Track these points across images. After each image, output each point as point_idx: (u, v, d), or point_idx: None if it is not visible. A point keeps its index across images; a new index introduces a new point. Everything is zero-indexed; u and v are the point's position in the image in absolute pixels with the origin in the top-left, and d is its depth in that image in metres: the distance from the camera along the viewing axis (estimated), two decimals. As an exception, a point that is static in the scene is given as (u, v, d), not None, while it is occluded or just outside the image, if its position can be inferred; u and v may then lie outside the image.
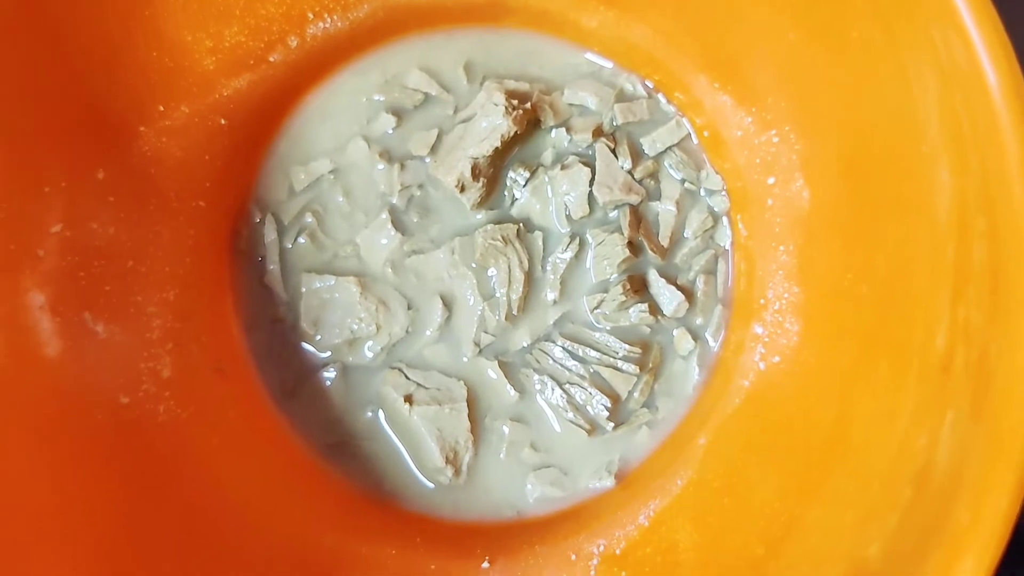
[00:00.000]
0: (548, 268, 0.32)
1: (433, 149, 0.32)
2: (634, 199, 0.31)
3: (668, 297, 0.31)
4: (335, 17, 0.31)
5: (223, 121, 0.31)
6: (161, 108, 0.30)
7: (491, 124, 0.31)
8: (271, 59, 0.31)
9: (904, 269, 0.24)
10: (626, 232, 0.31)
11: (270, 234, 0.33)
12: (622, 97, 0.33)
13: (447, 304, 0.32)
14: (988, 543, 0.19)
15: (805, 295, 0.28)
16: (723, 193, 0.31)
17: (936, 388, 0.22)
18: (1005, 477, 0.19)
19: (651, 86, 0.32)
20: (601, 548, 0.29)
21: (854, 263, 0.26)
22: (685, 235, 0.32)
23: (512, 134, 0.31)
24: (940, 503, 0.21)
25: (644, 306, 0.31)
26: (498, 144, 0.31)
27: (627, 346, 0.31)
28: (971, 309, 0.22)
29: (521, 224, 0.32)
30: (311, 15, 0.31)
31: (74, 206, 0.28)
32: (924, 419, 0.23)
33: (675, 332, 0.31)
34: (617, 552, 0.29)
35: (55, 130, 0.27)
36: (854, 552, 0.23)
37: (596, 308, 0.31)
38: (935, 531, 0.21)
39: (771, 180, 0.29)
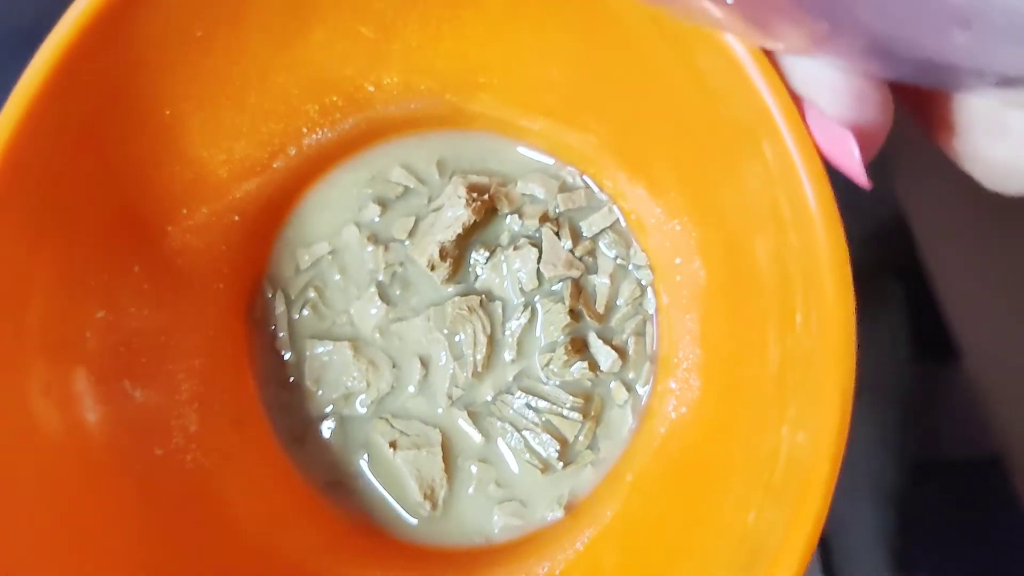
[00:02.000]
0: (507, 332, 0.38)
1: (411, 233, 0.39)
2: (575, 273, 0.38)
3: (605, 355, 0.38)
4: (326, 130, 0.39)
5: (236, 217, 0.39)
6: (184, 211, 0.37)
7: (455, 214, 0.38)
8: (275, 165, 0.39)
9: (757, 334, 0.30)
10: (567, 302, 0.38)
11: (280, 307, 0.40)
12: (564, 188, 0.39)
13: (424, 364, 0.39)
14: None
15: (705, 357, 0.35)
16: (647, 268, 0.38)
17: (776, 414, 0.29)
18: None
19: (587, 178, 0.39)
20: (545, 569, 0.36)
21: (733, 331, 0.33)
22: (618, 303, 0.38)
23: (472, 222, 0.38)
24: (775, 506, 0.27)
25: (585, 363, 0.38)
26: (460, 231, 0.38)
27: (572, 397, 0.38)
28: (795, 400, 0.28)
29: (483, 296, 0.39)
30: (306, 129, 0.38)
31: (114, 295, 0.36)
32: (771, 441, 0.29)
33: (612, 385, 0.38)
34: (557, 573, 0.36)
35: (97, 234, 0.35)
36: (728, 559, 0.29)
37: (546, 365, 0.38)
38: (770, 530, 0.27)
39: (678, 260, 0.36)
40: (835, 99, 0.21)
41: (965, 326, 0.43)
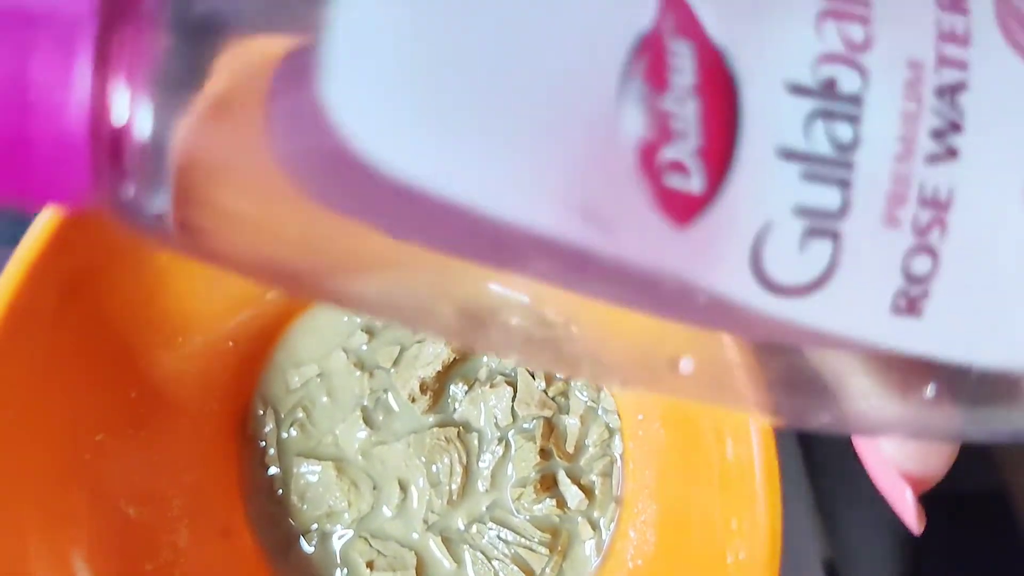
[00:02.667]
0: (482, 464, 0.41)
1: (396, 362, 0.42)
2: (547, 413, 0.40)
3: (572, 494, 0.40)
4: (315, 266, 0.41)
5: (231, 343, 0.41)
6: (180, 340, 0.40)
7: (435, 351, 0.41)
8: (267, 297, 0.41)
9: (708, 498, 0.33)
10: (539, 441, 0.40)
11: (269, 424, 0.42)
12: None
13: (403, 488, 0.41)
14: None
15: (660, 514, 0.37)
16: (616, 413, 0.40)
17: None
18: None
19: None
20: None
21: (686, 492, 0.35)
22: (587, 444, 0.41)
23: (452, 359, 0.40)
24: None
25: (554, 500, 0.40)
26: (440, 367, 0.40)
27: (540, 532, 0.40)
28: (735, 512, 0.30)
29: (461, 427, 0.41)
30: (296, 266, 0.41)
31: (112, 419, 0.38)
32: None
33: (578, 521, 0.40)
34: None
35: (97, 367, 0.37)
36: None
37: (517, 499, 0.40)
38: None
39: (640, 416, 0.38)
40: (902, 451, 0.21)
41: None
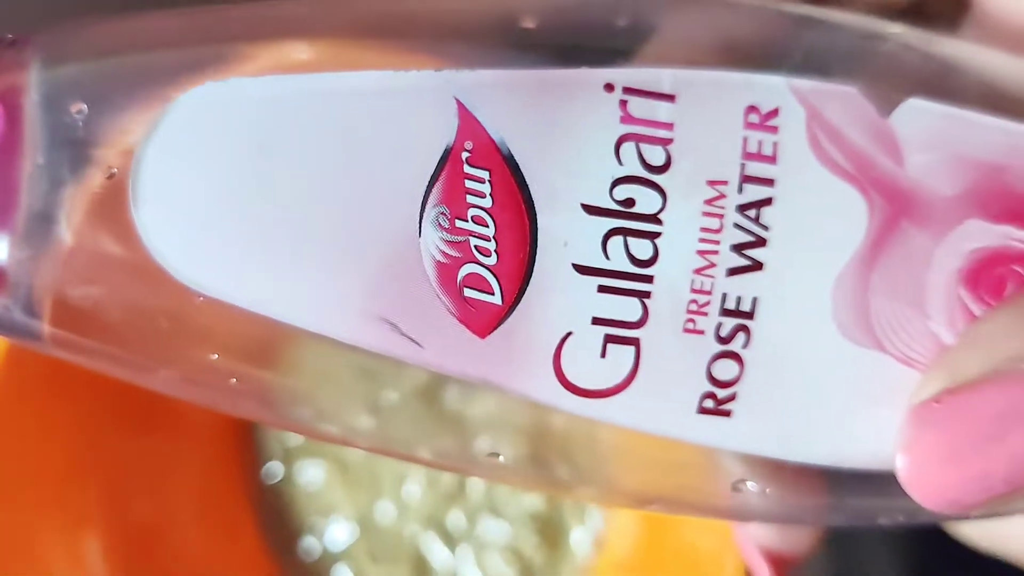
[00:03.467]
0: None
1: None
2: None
3: (563, 489, 0.41)
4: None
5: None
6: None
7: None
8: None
9: None
10: (529, 438, 0.41)
11: (274, 430, 0.44)
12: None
13: (402, 485, 0.43)
14: None
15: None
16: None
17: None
18: None
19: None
20: None
21: None
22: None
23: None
24: None
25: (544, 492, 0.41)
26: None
27: (533, 523, 0.41)
28: None
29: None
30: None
31: (123, 420, 0.40)
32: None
33: (570, 511, 0.41)
34: None
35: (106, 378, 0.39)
36: None
37: (510, 492, 0.41)
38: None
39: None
40: (764, 532, 0.21)
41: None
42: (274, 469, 0.43)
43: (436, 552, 0.41)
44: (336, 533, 0.42)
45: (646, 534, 0.37)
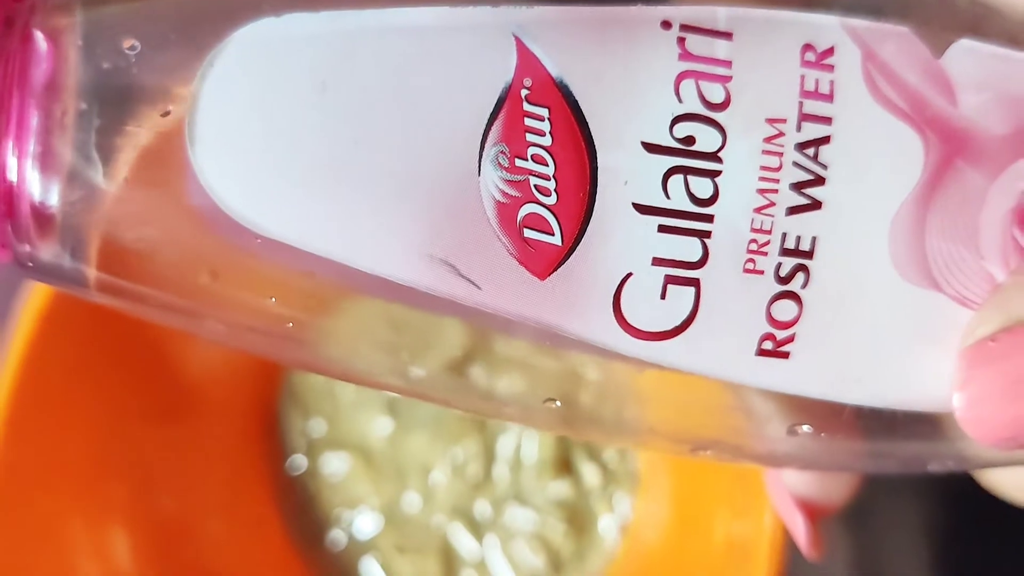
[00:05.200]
0: (502, 448, 0.42)
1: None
2: (562, 397, 0.41)
3: (590, 473, 0.41)
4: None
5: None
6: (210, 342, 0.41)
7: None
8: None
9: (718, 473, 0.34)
10: (555, 425, 0.41)
11: (297, 417, 0.44)
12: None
13: (427, 474, 0.43)
14: None
15: (673, 485, 0.38)
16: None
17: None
18: None
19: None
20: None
21: (697, 465, 0.36)
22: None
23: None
24: None
25: (572, 480, 0.41)
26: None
27: (560, 511, 0.41)
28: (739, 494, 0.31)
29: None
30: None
31: (148, 414, 0.40)
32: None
33: (597, 499, 0.41)
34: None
35: (135, 365, 0.39)
36: None
37: (537, 479, 0.41)
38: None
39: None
40: (800, 480, 0.21)
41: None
42: (298, 461, 0.43)
43: (463, 542, 0.41)
44: (362, 524, 0.42)
45: (676, 521, 0.37)
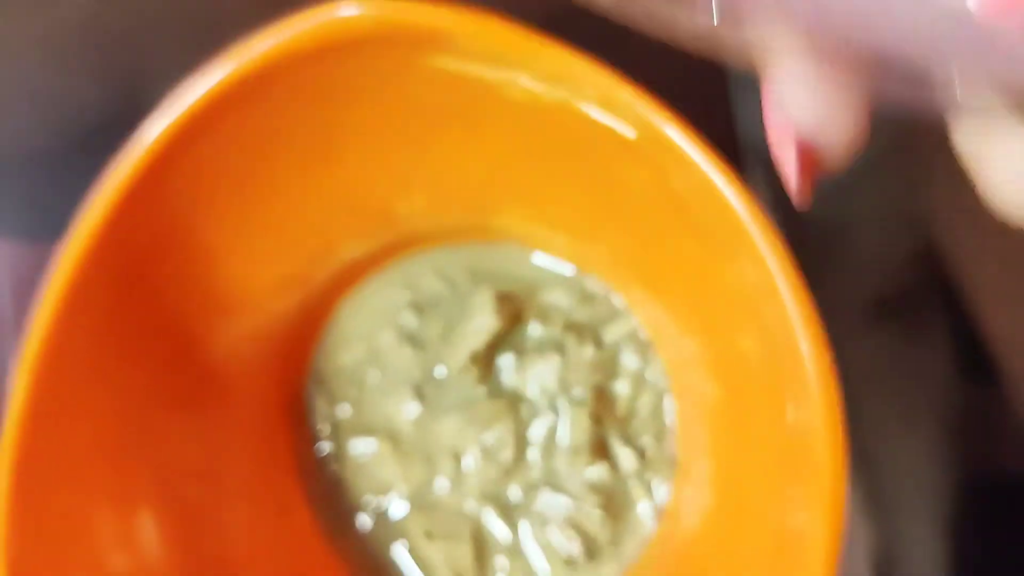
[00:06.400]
0: (534, 432, 0.41)
1: (444, 338, 0.42)
2: (596, 379, 0.41)
3: (625, 457, 0.40)
4: (362, 244, 0.41)
5: (280, 325, 0.42)
6: (234, 322, 0.40)
7: (485, 322, 0.41)
8: (316, 278, 0.42)
9: (764, 456, 0.33)
10: (590, 407, 0.40)
11: (322, 402, 0.43)
12: (586, 297, 0.42)
13: (457, 460, 0.42)
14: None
15: (716, 471, 0.37)
16: (665, 376, 0.40)
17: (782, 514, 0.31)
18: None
19: (607, 288, 0.42)
20: (570, 662, 0.39)
21: (739, 446, 0.35)
22: (637, 408, 0.41)
23: (500, 330, 0.41)
24: None
25: (607, 465, 0.40)
26: (489, 338, 0.41)
27: (595, 497, 0.40)
28: (795, 486, 0.30)
29: (512, 397, 0.41)
30: (343, 246, 0.41)
31: (170, 402, 0.39)
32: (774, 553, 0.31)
33: (633, 485, 0.40)
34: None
35: (152, 349, 0.38)
36: None
37: (570, 465, 0.41)
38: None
39: (691, 375, 0.38)
40: (804, 107, 0.19)
41: (1003, 348, 0.43)
42: (325, 447, 0.42)
43: (495, 527, 0.40)
44: (390, 510, 0.41)
45: (718, 508, 0.37)
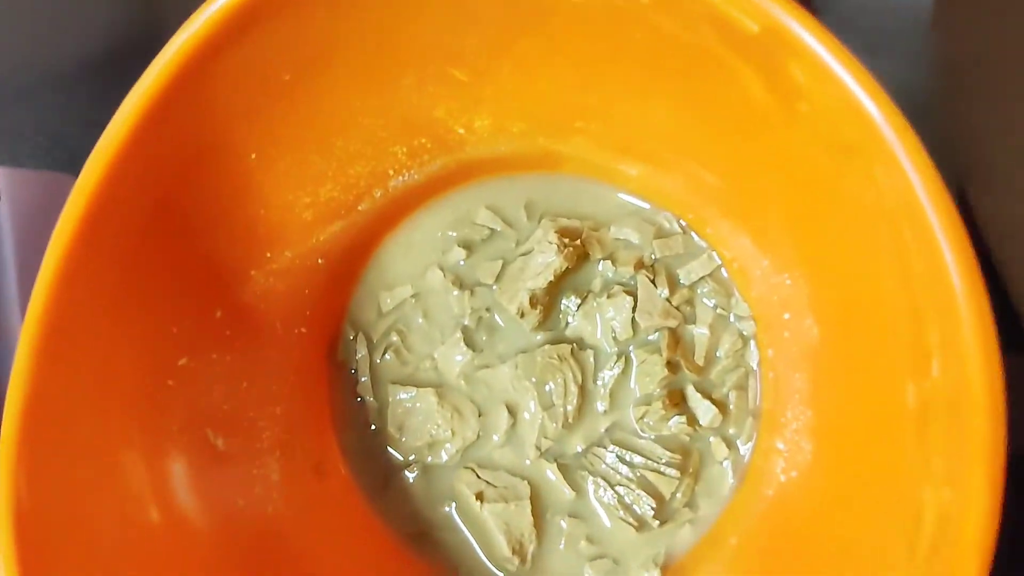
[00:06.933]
0: (599, 383, 0.37)
1: (498, 278, 0.38)
2: (672, 323, 0.36)
3: (704, 410, 0.36)
4: (412, 172, 0.37)
5: (320, 260, 0.37)
6: (268, 254, 0.36)
7: (546, 260, 0.37)
8: (360, 208, 0.37)
9: (888, 397, 0.29)
10: (665, 353, 0.36)
11: (361, 350, 0.39)
12: (660, 233, 0.37)
13: (512, 412, 0.37)
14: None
15: (817, 419, 0.33)
16: (750, 319, 0.36)
17: (915, 477, 0.27)
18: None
19: (685, 224, 0.37)
20: (643, 633, 0.34)
21: (853, 393, 0.31)
22: (718, 355, 0.37)
23: (564, 269, 0.36)
24: (929, 562, 0.25)
25: (683, 417, 0.36)
26: (552, 278, 0.36)
27: (669, 453, 0.36)
28: (939, 455, 0.26)
29: (575, 344, 0.37)
30: (392, 172, 0.37)
31: (196, 342, 0.34)
32: (909, 509, 0.27)
33: (711, 440, 0.36)
34: (657, 637, 0.34)
35: (181, 282, 0.34)
36: None
37: (641, 418, 0.36)
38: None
39: (787, 315, 0.34)
40: None
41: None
42: (365, 397, 0.37)
43: (555, 488, 0.36)
44: (437, 468, 0.37)
45: (824, 467, 0.32)
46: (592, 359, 0.36)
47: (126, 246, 0.30)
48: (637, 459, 0.36)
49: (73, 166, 0.37)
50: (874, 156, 0.24)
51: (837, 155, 0.26)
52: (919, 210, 0.24)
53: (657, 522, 0.35)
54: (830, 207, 0.29)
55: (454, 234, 0.38)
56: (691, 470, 0.35)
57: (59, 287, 0.28)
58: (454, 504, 0.37)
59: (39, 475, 0.27)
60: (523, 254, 0.37)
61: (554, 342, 0.37)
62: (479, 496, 0.36)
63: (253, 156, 0.33)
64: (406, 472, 0.37)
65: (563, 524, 0.36)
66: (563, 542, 0.36)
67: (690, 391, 0.36)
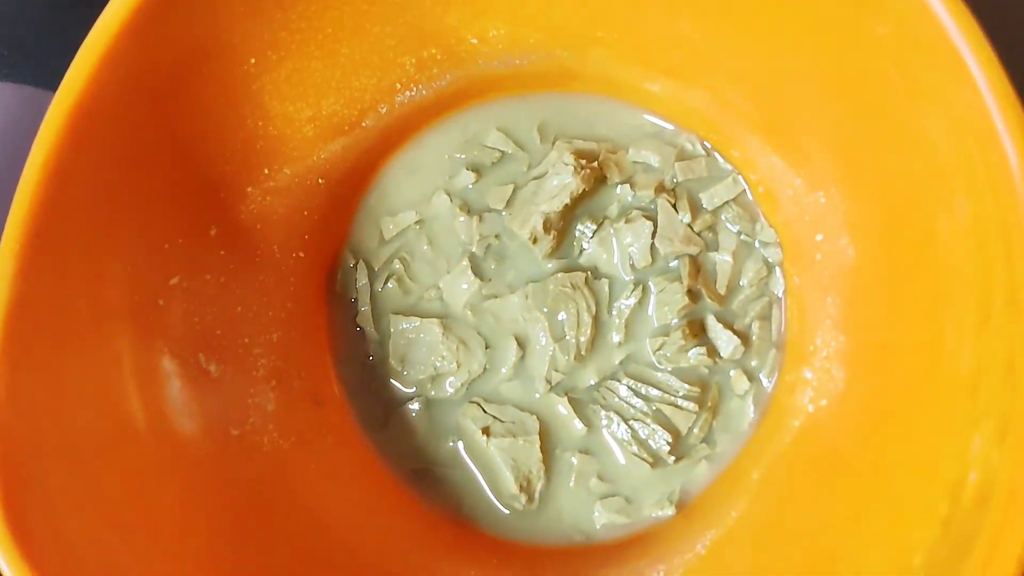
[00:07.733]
0: (614, 313, 0.35)
1: (509, 203, 0.36)
2: (693, 250, 0.34)
3: (725, 341, 0.34)
4: (420, 86, 0.35)
5: (321, 180, 0.35)
6: (266, 171, 0.33)
7: (561, 182, 0.34)
8: (364, 124, 0.35)
9: (934, 322, 0.27)
10: (685, 281, 0.34)
11: (362, 279, 0.36)
12: (682, 156, 0.35)
13: (521, 344, 0.35)
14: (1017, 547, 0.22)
15: (850, 344, 0.31)
16: (776, 245, 0.34)
17: (963, 419, 0.25)
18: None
19: (709, 146, 0.35)
20: (661, 574, 0.32)
21: (894, 317, 0.29)
22: (741, 283, 0.35)
23: (580, 191, 0.34)
24: (974, 514, 0.23)
25: (703, 349, 0.34)
26: (567, 201, 0.34)
27: (687, 386, 0.34)
28: (995, 342, 0.24)
29: (589, 272, 0.35)
30: (399, 86, 0.34)
31: (190, 260, 0.32)
32: (954, 447, 0.25)
33: (732, 373, 0.34)
34: (675, 578, 0.32)
35: (175, 193, 0.31)
36: (899, 563, 0.26)
37: (658, 350, 0.34)
38: (971, 537, 0.23)
39: (819, 237, 0.32)
40: None
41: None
42: (366, 327, 0.35)
43: (565, 423, 0.34)
44: (442, 402, 0.35)
45: (857, 402, 0.30)
46: (607, 288, 0.34)
47: (114, 154, 0.28)
48: (653, 392, 0.34)
49: (35, 77, 0.35)
50: (953, 80, 0.22)
51: (908, 73, 0.24)
52: (995, 138, 0.22)
53: (672, 458, 0.33)
54: (883, 123, 0.27)
55: (462, 156, 0.36)
56: (709, 404, 0.34)
57: (43, 193, 0.26)
58: (459, 440, 0.35)
59: (20, 380, 0.25)
60: (535, 178, 0.35)
61: (567, 270, 0.35)
62: (485, 431, 0.34)
63: (252, 61, 0.31)
64: (408, 406, 0.35)
65: (573, 460, 0.34)
66: (573, 479, 0.34)
67: (711, 321, 0.34)
